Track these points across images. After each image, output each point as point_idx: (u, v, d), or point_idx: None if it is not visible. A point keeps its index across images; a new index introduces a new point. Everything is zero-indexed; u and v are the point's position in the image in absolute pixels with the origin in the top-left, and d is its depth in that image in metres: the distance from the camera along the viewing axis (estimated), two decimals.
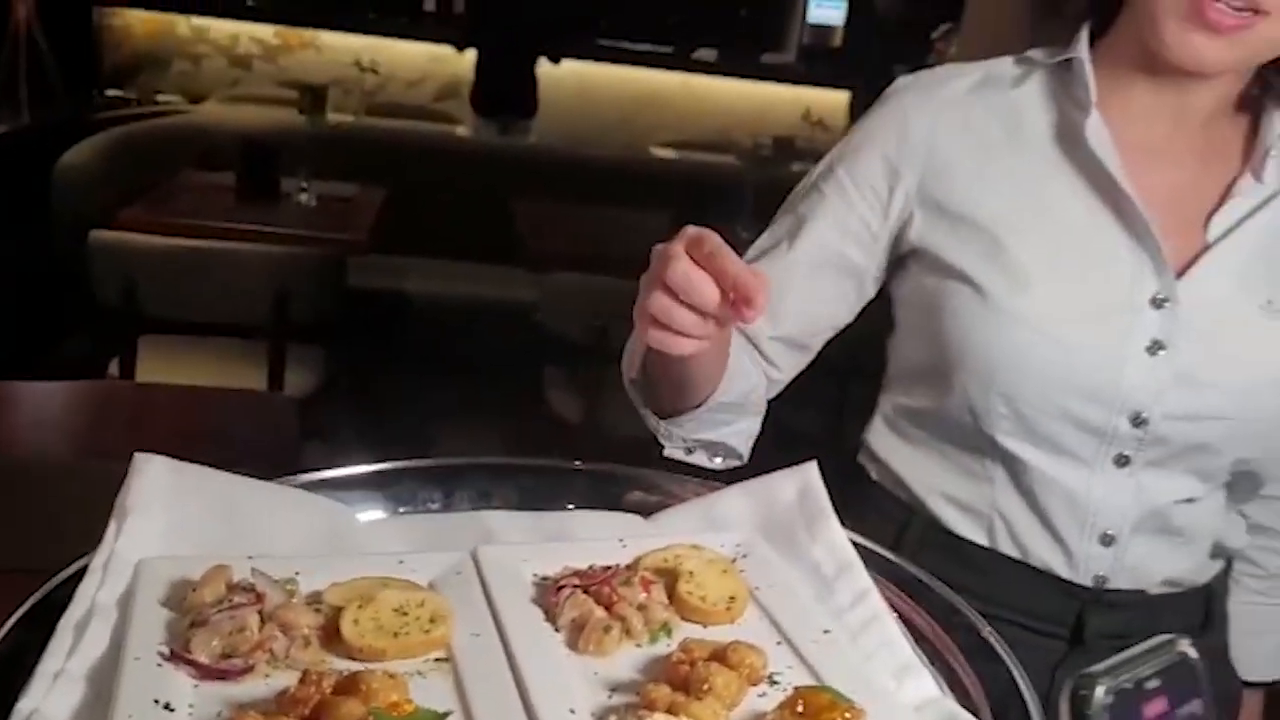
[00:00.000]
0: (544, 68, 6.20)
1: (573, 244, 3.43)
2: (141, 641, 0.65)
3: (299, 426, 1.75)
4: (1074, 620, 1.04)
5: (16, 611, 0.67)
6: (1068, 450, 1.00)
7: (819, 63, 8.99)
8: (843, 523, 0.82)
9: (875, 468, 1.14)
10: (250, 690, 0.63)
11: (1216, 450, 1.00)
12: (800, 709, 0.63)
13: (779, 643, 0.72)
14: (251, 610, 0.66)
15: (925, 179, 1.04)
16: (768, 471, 0.87)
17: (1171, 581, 1.06)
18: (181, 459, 0.78)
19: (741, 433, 1.05)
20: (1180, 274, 0.98)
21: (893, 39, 7.16)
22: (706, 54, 7.95)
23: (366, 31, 7.01)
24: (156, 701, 0.60)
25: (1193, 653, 0.74)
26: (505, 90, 6.12)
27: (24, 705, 0.60)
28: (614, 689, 0.67)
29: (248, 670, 0.64)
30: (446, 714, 0.62)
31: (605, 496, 0.88)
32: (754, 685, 0.67)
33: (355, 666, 0.65)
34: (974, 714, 0.67)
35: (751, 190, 3.54)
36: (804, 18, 11.39)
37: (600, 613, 0.71)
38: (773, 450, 1.06)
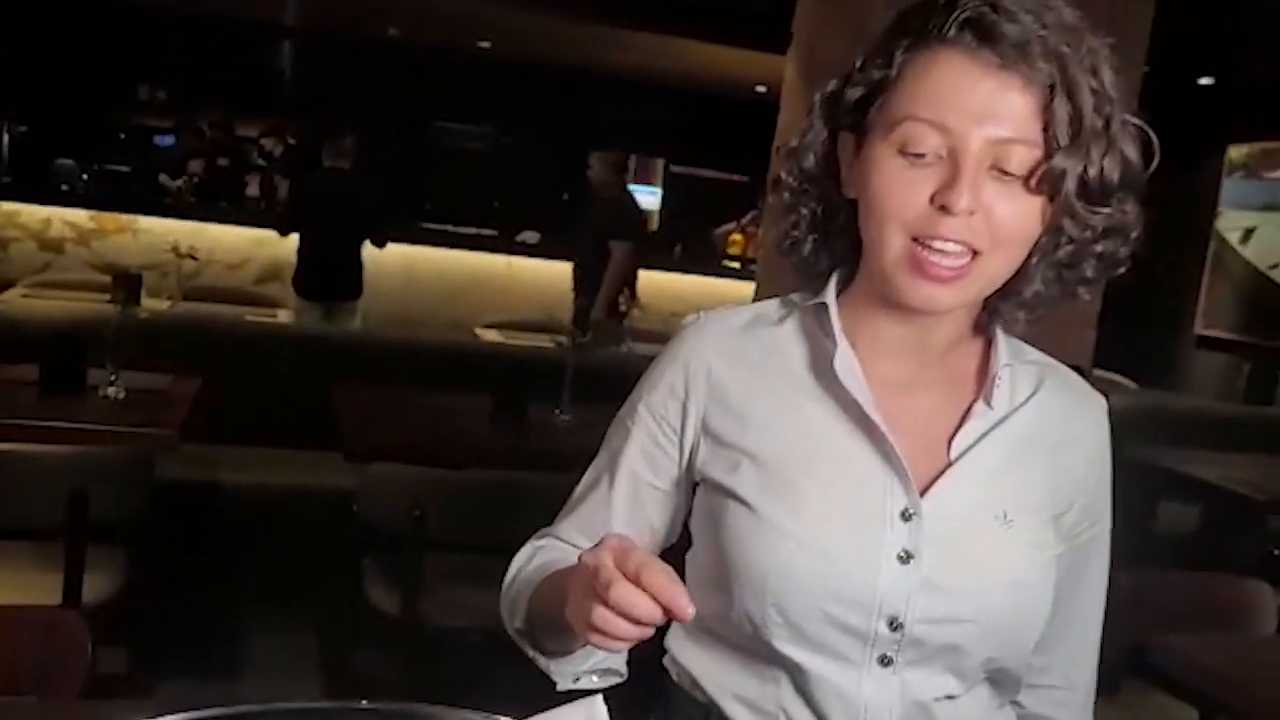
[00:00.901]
0: (369, 250, 6.23)
1: (394, 431, 3.41)
2: None
3: (92, 642, 1.67)
4: None
5: None
6: (837, 653, 1.07)
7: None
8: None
9: (675, 669, 1.19)
10: None
11: (967, 651, 1.07)
12: None
13: None
14: None
15: (707, 412, 1.14)
16: None
17: None
18: None
19: (621, 654, 1.13)
20: (925, 490, 1.07)
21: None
22: (529, 236, 8.14)
23: (186, 217, 6.97)
24: None
25: None
26: (329, 273, 6.11)
27: None
28: None
29: None
30: None
31: None
32: None
33: None
34: None
35: (573, 372, 3.60)
36: None
37: None
38: None
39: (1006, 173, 0.99)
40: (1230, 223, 8.87)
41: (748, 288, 6.50)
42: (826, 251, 1.16)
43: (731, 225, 8.91)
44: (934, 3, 1.02)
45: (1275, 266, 8.43)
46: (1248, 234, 8.70)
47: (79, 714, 0.81)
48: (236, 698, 0.86)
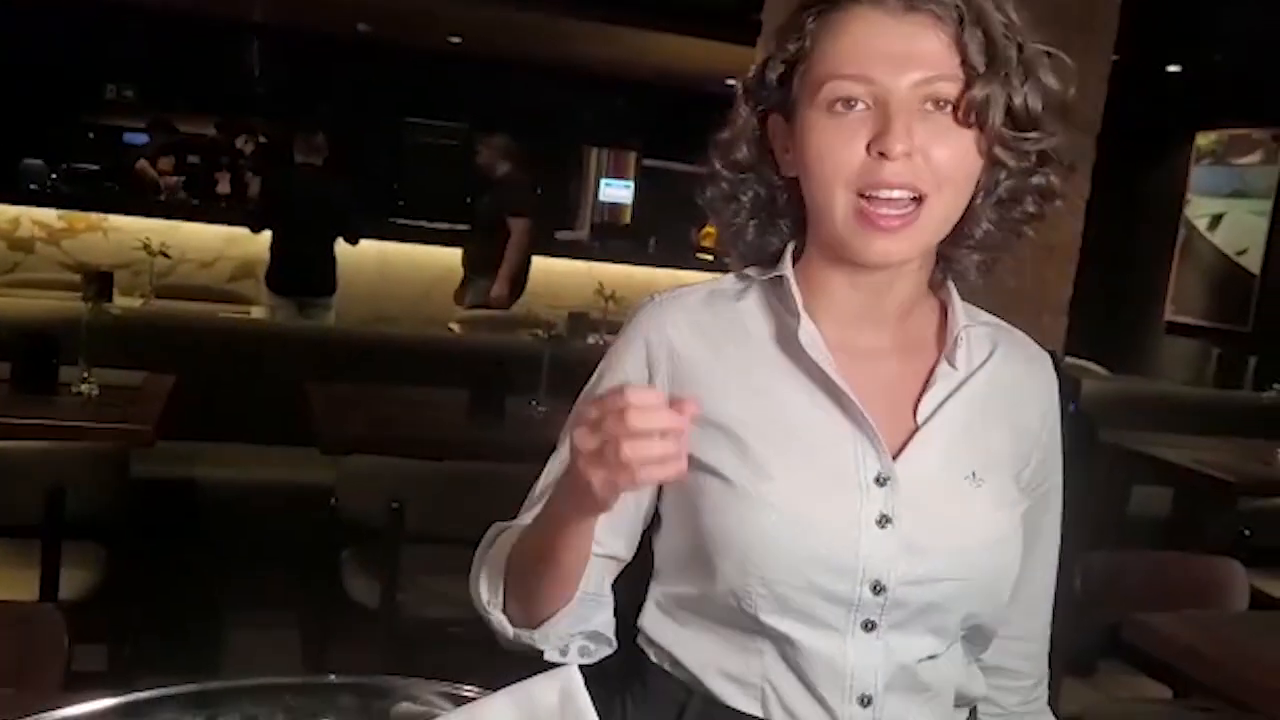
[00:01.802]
0: (342, 247, 6.21)
1: (370, 425, 3.40)
2: None
3: (70, 638, 1.67)
4: None
5: None
6: (821, 621, 1.08)
7: (611, 239, 9.31)
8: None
9: (653, 651, 1.19)
10: None
11: (947, 609, 1.09)
12: None
13: None
14: None
15: (673, 389, 1.13)
16: None
17: None
18: None
19: (608, 623, 1.15)
20: (897, 454, 1.10)
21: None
22: None
23: (154, 214, 6.92)
24: None
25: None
26: (302, 270, 6.10)
27: None
28: None
29: None
30: None
31: (373, 710, 0.88)
32: None
33: None
34: None
35: (548, 364, 3.61)
36: (595, 197, 11.86)
37: None
38: None
39: (936, 111, 1.02)
40: (1199, 209, 8.96)
41: None
42: (771, 235, 1.18)
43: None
44: None
45: (1243, 252, 8.53)
46: (1216, 220, 8.80)
47: (56, 704, 0.81)
48: None
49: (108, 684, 2.77)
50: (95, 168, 8.39)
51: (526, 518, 1.17)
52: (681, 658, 1.15)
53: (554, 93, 10.81)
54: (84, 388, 3.17)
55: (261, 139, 8.87)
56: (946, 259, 1.15)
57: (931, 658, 1.11)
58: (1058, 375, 1.23)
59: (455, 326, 6.09)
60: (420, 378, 3.97)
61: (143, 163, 8.29)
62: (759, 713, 1.11)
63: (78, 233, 6.97)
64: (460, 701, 0.88)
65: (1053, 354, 1.26)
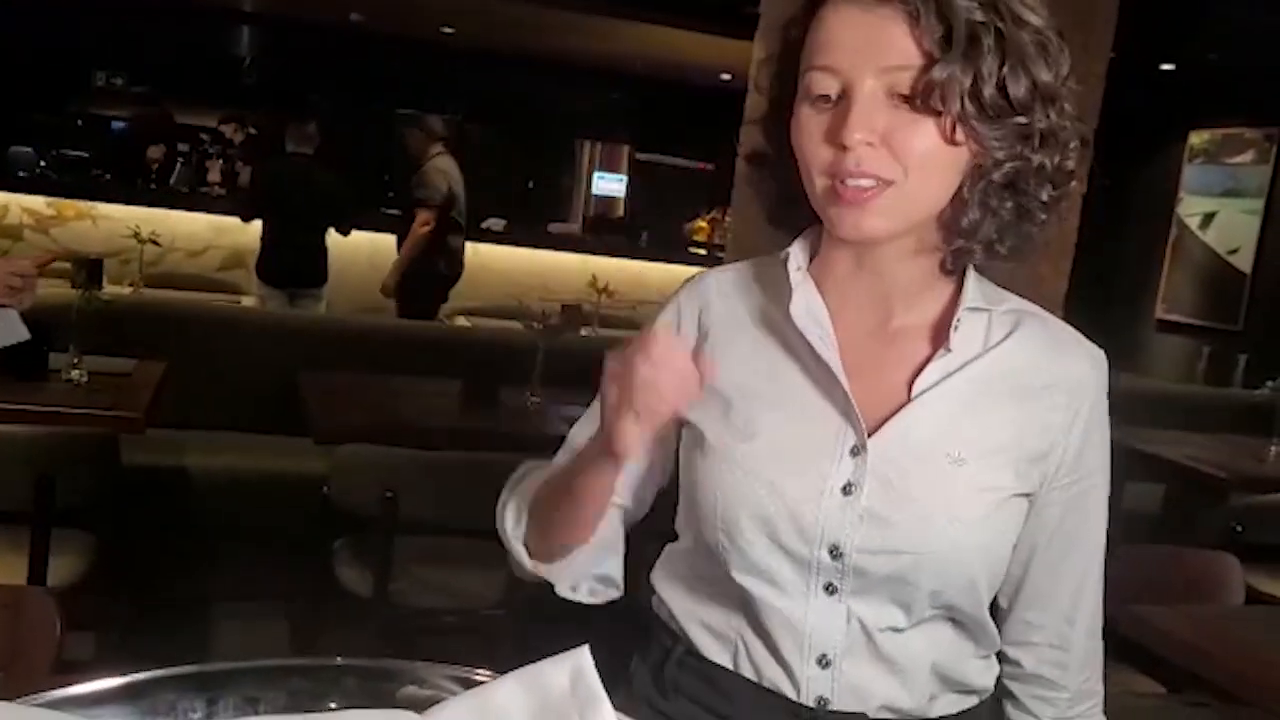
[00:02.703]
0: (333, 238, 6.18)
1: (364, 414, 3.39)
2: None
3: (60, 621, 1.65)
4: None
5: None
6: (783, 581, 1.13)
7: (603, 232, 9.30)
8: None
9: (654, 599, 1.28)
10: None
11: (909, 582, 1.10)
12: None
13: None
14: None
15: (695, 352, 1.19)
16: None
17: (890, 708, 1.15)
18: None
19: (618, 568, 1.24)
20: (876, 429, 1.12)
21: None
22: (494, 223, 8.11)
23: (146, 204, 6.87)
24: None
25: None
26: (293, 260, 6.06)
27: None
28: None
29: None
30: None
31: (379, 693, 0.86)
32: None
33: None
34: None
35: (542, 355, 3.60)
36: (588, 190, 11.86)
37: None
38: None
39: (900, 99, 1.02)
40: (1191, 208, 8.97)
41: None
42: (798, 219, 1.19)
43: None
44: None
45: (1235, 252, 8.54)
46: (1208, 219, 8.81)
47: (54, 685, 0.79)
48: None
49: (96, 672, 2.75)
50: (85, 155, 8.33)
51: (561, 458, 1.25)
52: (675, 611, 1.24)
53: (547, 85, 10.78)
54: (74, 374, 3.15)
55: (251, 130, 8.80)
56: (947, 245, 1.13)
57: (895, 629, 1.13)
58: None
59: (448, 319, 6.07)
60: (413, 368, 3.95)
61: (155, 148, 8.21)
62: (730, 665, 1.18)
63: (67, 220, 6.92)
64: (469, 685, 0.86)
65: None
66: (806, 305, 1.14)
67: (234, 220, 6.48)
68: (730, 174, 2.41)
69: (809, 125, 1.07)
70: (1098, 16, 3.16)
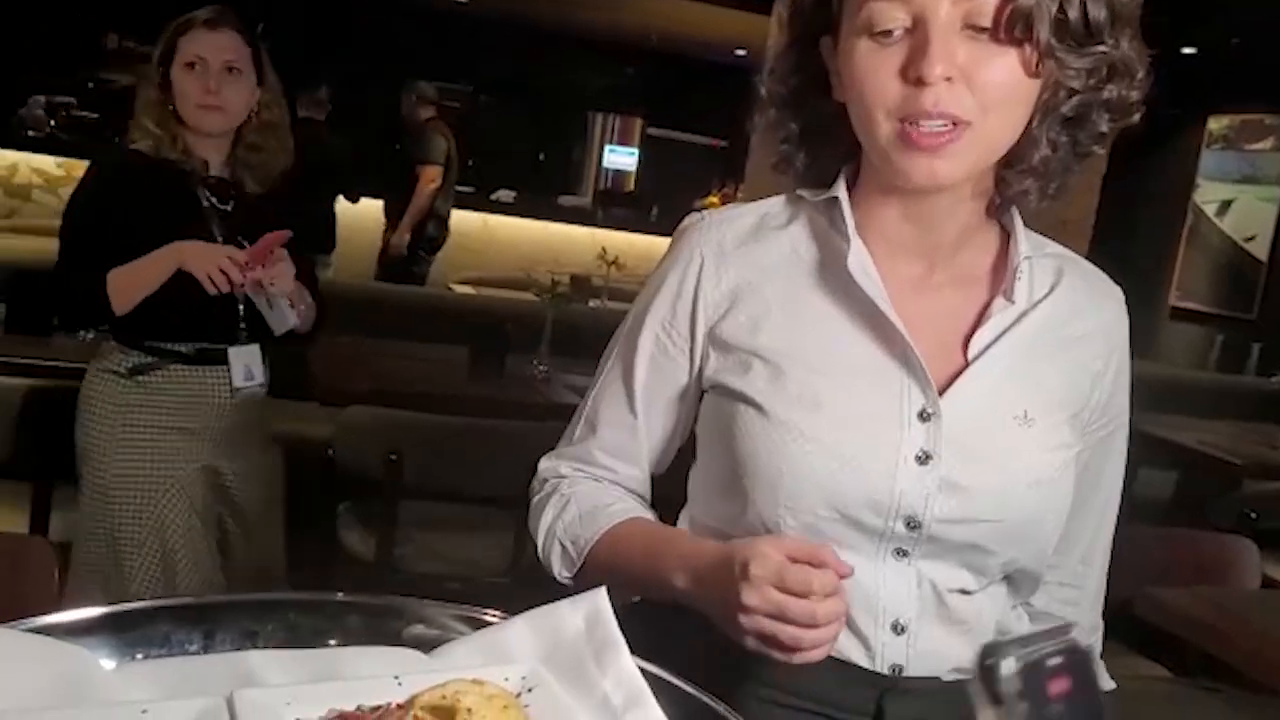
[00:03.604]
0: (342, 205, 6.14)
1: (371, 377, 3.35)
2: None
3: (59, 568, 1.62)
4: (874, 709, 1.07)
5: None
6: (852, 549, 1.04)
7: (614, 206, 9.26)
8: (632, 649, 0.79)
9: None
10: None
11: (987, 550, 1.05)
12: None
13: None
14: None
15: (716, 318, 1.10)
16: None
17: (961, 670, 1.09)
18: None
19: None
20: (944, 390, 1.04)
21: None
22: (505, 194, 8.07)
23: None
24: None
25: (1083, 642, 0.73)
26: (302, 226, 6.02)
27: None
28: None
29: None
30: None
31: (384, 631, 0.82)
32: None
33: None
34: None
35: (549, 326, 3.58)
36: (599, 163, 11.80)
37: None
38: None
39: (980, 29, 0.95)
40: (1208, 195, 8.89)
41: None
42: (822, 163, 1.13)
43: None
44: None
45: (1251, 239, 8.47)
46: (1225, 206, 8.73)
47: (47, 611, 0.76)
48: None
49: None
50: (95, 116, 8.29)
51: (590, 448, 1.19)
52: None
53: (561, 57, 10.72)
54: (80, 332, 3.12)
55: None
56: (1005, 185, 1.07)
57: (965, 592, 1.08)
58: None
59: (457, 288, 6.04)
60: (421, 335, 3.92)
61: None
62: None
63: (76, 180, 6.90)
64: (478, 625, 0.82)
65: None
66: (858, 257, 1.07)
67: None
68: (744, 151, 2.36)
69: (871, 60, 0.98)
70: None
